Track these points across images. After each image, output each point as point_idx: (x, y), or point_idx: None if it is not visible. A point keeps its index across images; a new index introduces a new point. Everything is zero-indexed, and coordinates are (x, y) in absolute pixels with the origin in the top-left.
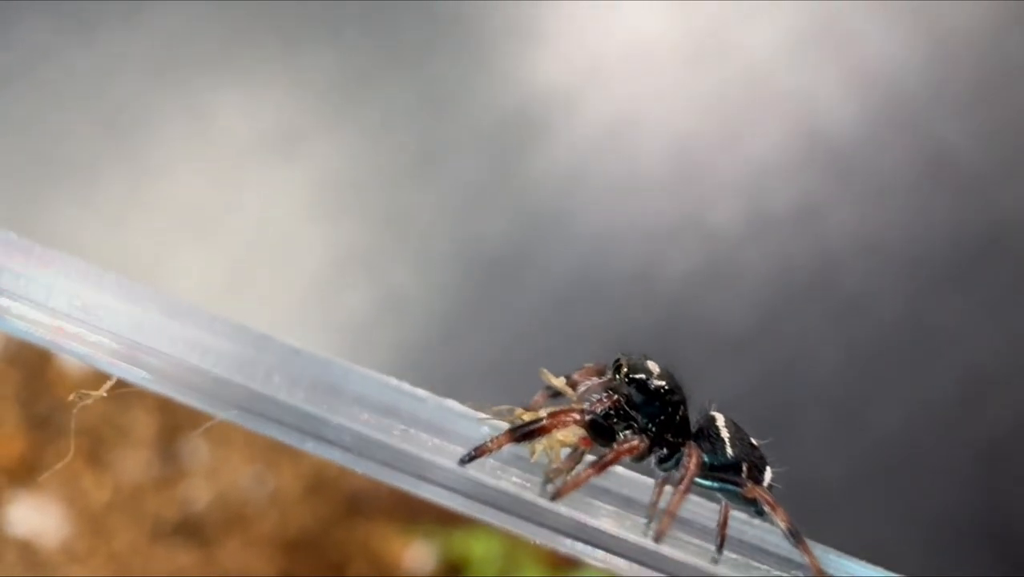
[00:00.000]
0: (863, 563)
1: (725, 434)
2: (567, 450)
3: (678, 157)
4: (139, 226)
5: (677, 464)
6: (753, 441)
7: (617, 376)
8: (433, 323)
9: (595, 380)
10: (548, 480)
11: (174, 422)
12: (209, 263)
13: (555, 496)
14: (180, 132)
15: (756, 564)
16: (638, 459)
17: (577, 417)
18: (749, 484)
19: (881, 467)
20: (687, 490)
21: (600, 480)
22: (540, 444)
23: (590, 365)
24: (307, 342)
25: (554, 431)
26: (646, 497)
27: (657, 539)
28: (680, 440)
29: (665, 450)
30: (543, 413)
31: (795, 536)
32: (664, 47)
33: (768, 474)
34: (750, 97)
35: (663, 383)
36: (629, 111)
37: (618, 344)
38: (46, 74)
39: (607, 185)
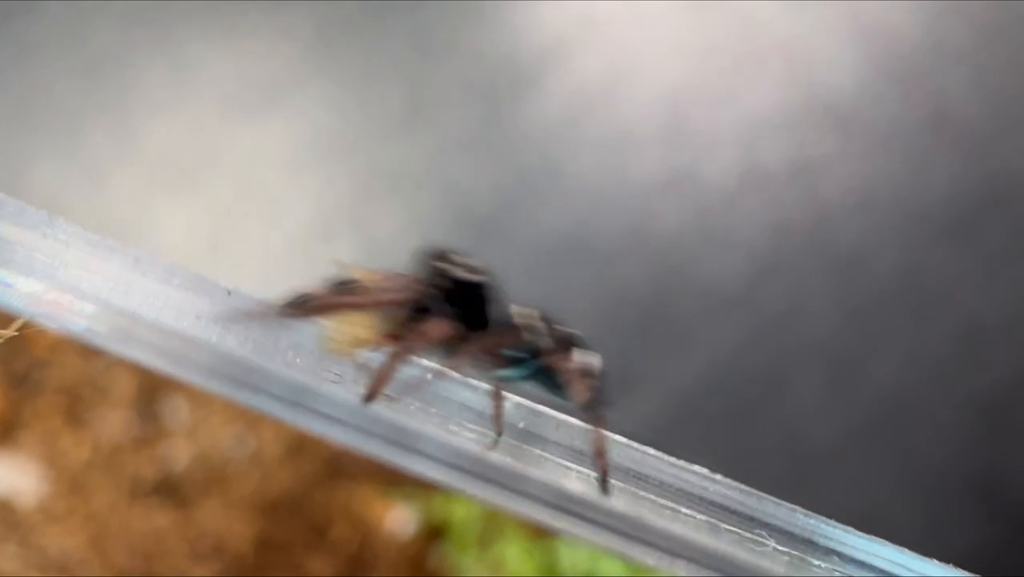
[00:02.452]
0: (852, 530)
1: (533, 321)
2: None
3: (671, 110)
4: (120, 180)
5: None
6: (568, 329)
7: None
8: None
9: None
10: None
11: (154, 381)
12: (192, 217)
13: (367, 399)
14: (162, 84)
15: (722, 524)
16: (445, 349)
17: (400, 296)
18: (553, 359)
19: (877, 423)
20: (469, 355)
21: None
22: (338, 338)
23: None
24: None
25: (349, 314)
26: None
27: (369, 398)
28: (488, 327)
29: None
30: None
31: (591, 410)
32: (653, 1)
33: (582, 356)
34: (745, 49)
35: (471, 272)
36: (622, 63)
37: (611, 299)
38: (23, 26)
39: (599, 138)
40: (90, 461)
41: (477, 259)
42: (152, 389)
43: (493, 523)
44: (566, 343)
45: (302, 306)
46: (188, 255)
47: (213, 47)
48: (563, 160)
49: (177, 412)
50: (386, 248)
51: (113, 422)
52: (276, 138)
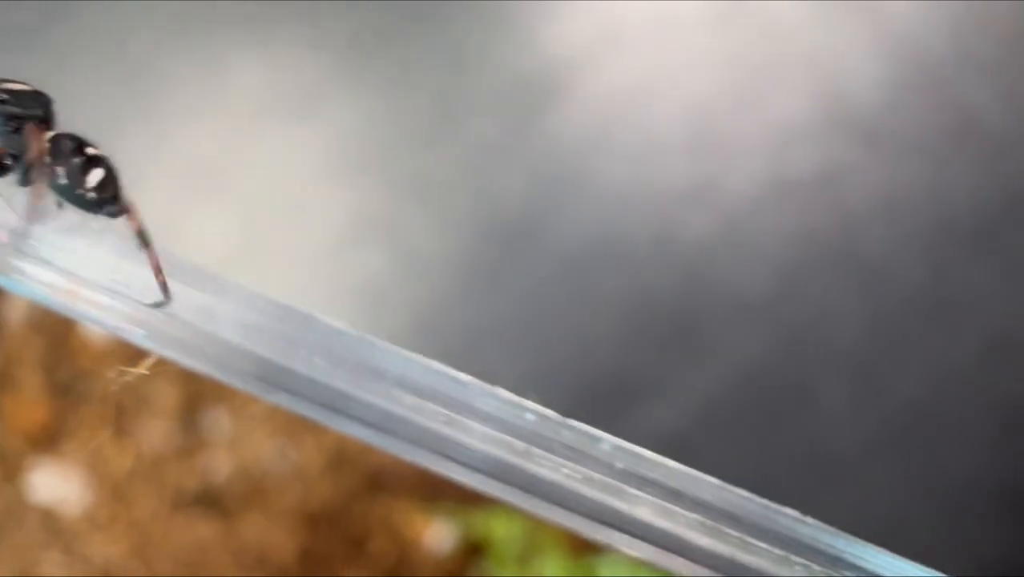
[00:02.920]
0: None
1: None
2: None
3: (698, 119)
4: (156, 185)
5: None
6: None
7: None
8: (450, 284)
9: None
10: None
11: (196, 393)
12: (225, 222)
13: None
14: (198, 91)
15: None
16: None
17: None
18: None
19: (900, 433)
20: None
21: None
22: None
23: None
24: (323, 303)
25: None
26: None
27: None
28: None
29: None
30: None
31: (141, 239)
32: (685, 9)
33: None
34: (771, 60)
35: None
36: (649, 73)
37: (637, 306)
38: (65, 33)
39: (626, 147)
40: (133, 470)
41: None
42: (194, 401)
43: (532, 540)
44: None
45: None
46: (221, 259)
47: (249, 56)
48: (590, 169)
49: (218, 424)
50: (417, 253)
51: (156, 432)
52: (309, 145)
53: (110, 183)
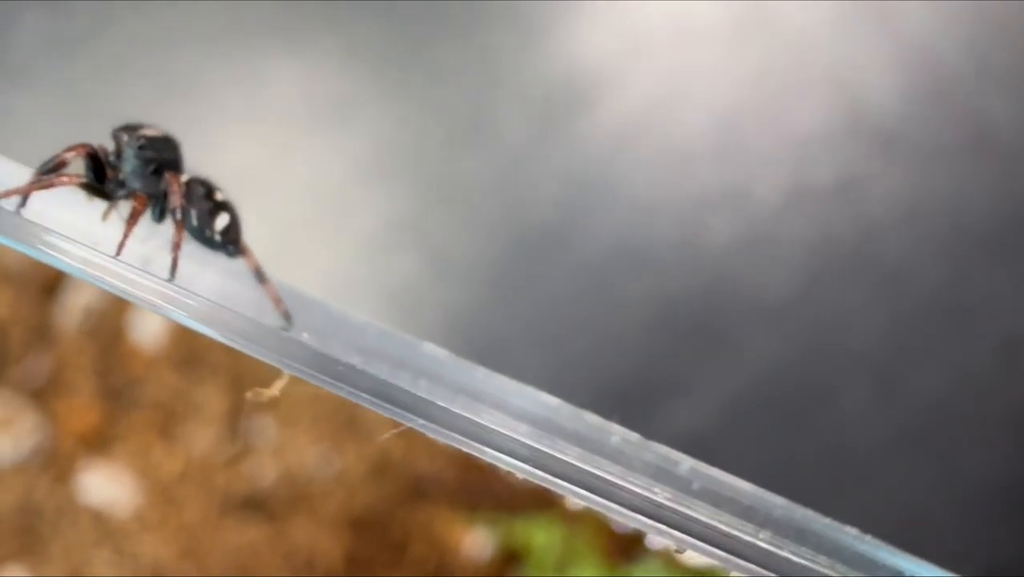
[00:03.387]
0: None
1: (185, 177)
2: None
3: (722, 129)
4: None
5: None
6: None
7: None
8: (480, 287)
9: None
10: None
11: (243, 401)
12: (261, 226)
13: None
14: (235, 99)
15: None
16: (92, 193)
17: (79, 154)
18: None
19: (920, 434)
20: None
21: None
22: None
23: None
24: (356, 305)
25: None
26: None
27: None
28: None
29: (134, 189)
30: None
31: (259, 275)
32: (709, 21)
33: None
34: (794, 71)
35: (136, 138)
36: (674, 83)
37: (663, 309)
38: (107, 42)
39: (652, 155)
40: (182, 474)
41: (155, 130)
42: (241, 408)
43: (570, 547)
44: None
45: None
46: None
47: (286, 66)
48: (617, 175)
49: (265, 431)
50: (448, 257)
51: (204, 438)
52: (344, 151)
53: (234, 228)
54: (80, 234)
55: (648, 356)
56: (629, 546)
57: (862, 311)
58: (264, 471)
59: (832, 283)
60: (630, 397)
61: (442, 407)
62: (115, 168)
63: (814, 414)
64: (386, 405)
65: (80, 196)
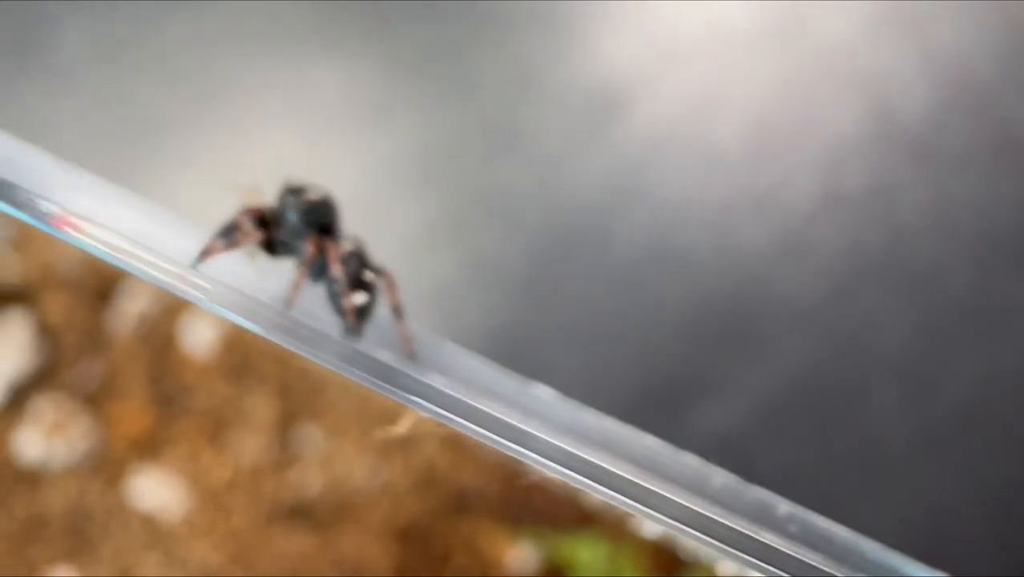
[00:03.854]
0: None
1: (347, 245)
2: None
3: (755, 134)
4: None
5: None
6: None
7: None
8: (516, 290)
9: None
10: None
11: (292, 411)
12: None
13: (194, 265)
14: (278, 103)
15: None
16: (269, 252)
17: (252, 217)
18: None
19: (950, 438)
20: (308, 266)
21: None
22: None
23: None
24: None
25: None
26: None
27: (287, 305)
28: (306, 241)
29: (297, 249)
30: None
31: (397, 312)
32: (743, 27)
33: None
34: (826, 77)
35: (301, 201)
36: (708, 89)
37: (696, 311)
38: (149, 44)
39: (685, 160)
40: (231, 481)
41: (317, 192)
42: (290, 417)
43: (615, 564)
44: (364, 284)
45: (225, 230)
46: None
47: (326, 69)
48: (651, 180)
49: (312, 440)
50: (484, 260)
51: (252, 445)
52: (382, 155)
53: (366, 311)
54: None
55: (681, 358)
56: (672, 563)
57: (892, 315)
58: (311, 480)
59: (863, 287)
60: (663, 398)
61: (556, 446)
62: (278, 226)
63: (844, 416)
64: (503, 442)
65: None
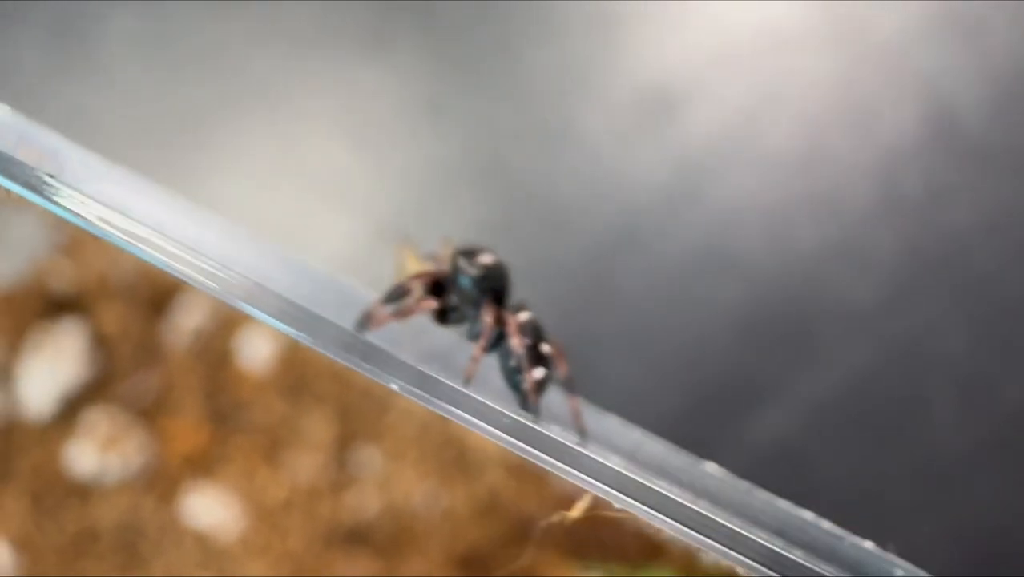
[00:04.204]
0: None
1: (524, 315)
2: None
3: (810, 136)
4: (284, 190)
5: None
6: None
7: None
8: (567, 292)
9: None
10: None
11: (351, 430)
12: (350, 228)
13: (361, 329)
14: (324, 102)
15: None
16: (441, 320)
17: (425, 282)
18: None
19: (1008, 442)
20: (486, 340)
21: None
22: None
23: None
24: None
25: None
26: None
27: (465, 382)
28: (481, 309)
29: (469, 317)
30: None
31: (569, 387)
32: (799, 28)
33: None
34: (882, 79)
35: (475, 267)
36: (763, 90)
37: (750, 314)
38: (191, 42)
39: (739, 162)
40: (287, 501)
41: (490, 256)
42: (349, 438)
43: None
44: (541, 357)
45: (392, 295)
46: (347, 263)
47: (372, 67)
48: (705, 182)
49: (371, 462)
50: (535, 261)
51: (309, 465)
52: (430, 155)
53: (544, 387)
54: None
55: (735, 363)
56: None
57: (951, 321)
58: (368, 503)
59: (920, 293)
60: (715, 405)
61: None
62: (450, 292)
63: (902, 422)
64: (669, 522)
65: None
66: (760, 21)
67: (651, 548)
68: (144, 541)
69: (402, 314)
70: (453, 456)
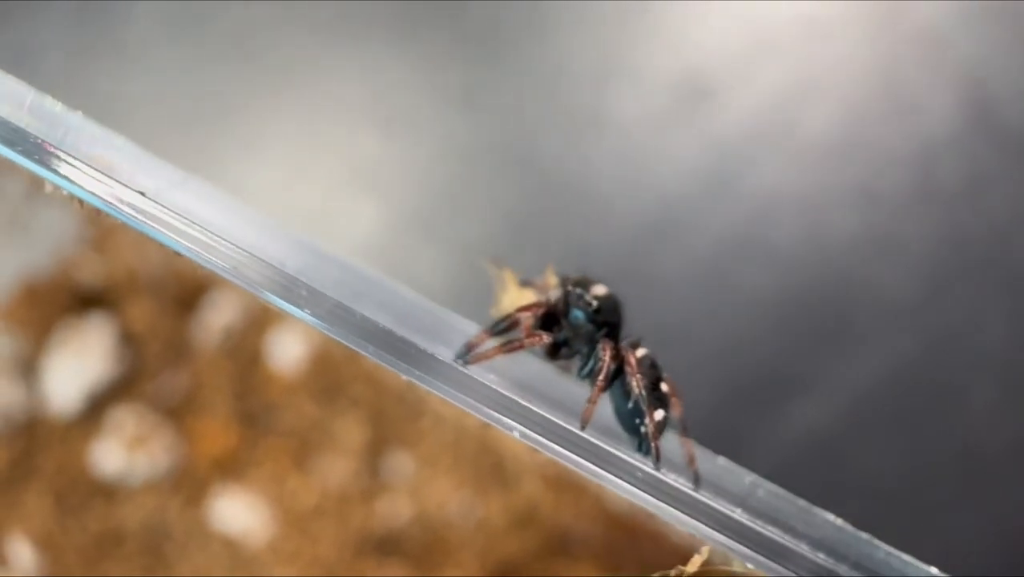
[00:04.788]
0: None
1: (641, 352)
2: None
3: (848, 125)
4: (311, 178)
5: (592, 370)
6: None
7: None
8: (602, 280)
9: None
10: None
11: (384, 435)
12: (377, 214)
13: (464, 361)
14: (353, 88)
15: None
16: (551, 356)
17: (535, 314)
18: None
19: None
20: (605, 381)
21: None
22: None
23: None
24: (477, 297)
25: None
26: None
27: (583, 426)
28: (598, 345)
29: (581, 352)
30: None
31: (684, 429)
32: (838, 16)
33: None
34: (922, 68)
35: (590, 299)
36: (801, 78)
37: (786, 304)
38: (220, 26)
39: (777, 150)
40: (317, 506)
41: (604, 288)
42: (381, 443)
43: None
44: (660, 397)
45: (501, 328)
46: (371, 251)
47: (403, 53)
48: (742, 170)
49: (403, 468)
50: (569, 247)
51: (340, 470)
52: (460, 141)
53: (664, 425)
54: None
55: (770, 352)
56: None
57: (991, 313)
58: (400, 510)
59: (960, 283)
60: (752, 395)
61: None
62: (561, 325)
63: (941, 418)
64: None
65: None
66: (798, 7)
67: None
68: (170, 544)
69: (511, 348)
70: (489, 464)
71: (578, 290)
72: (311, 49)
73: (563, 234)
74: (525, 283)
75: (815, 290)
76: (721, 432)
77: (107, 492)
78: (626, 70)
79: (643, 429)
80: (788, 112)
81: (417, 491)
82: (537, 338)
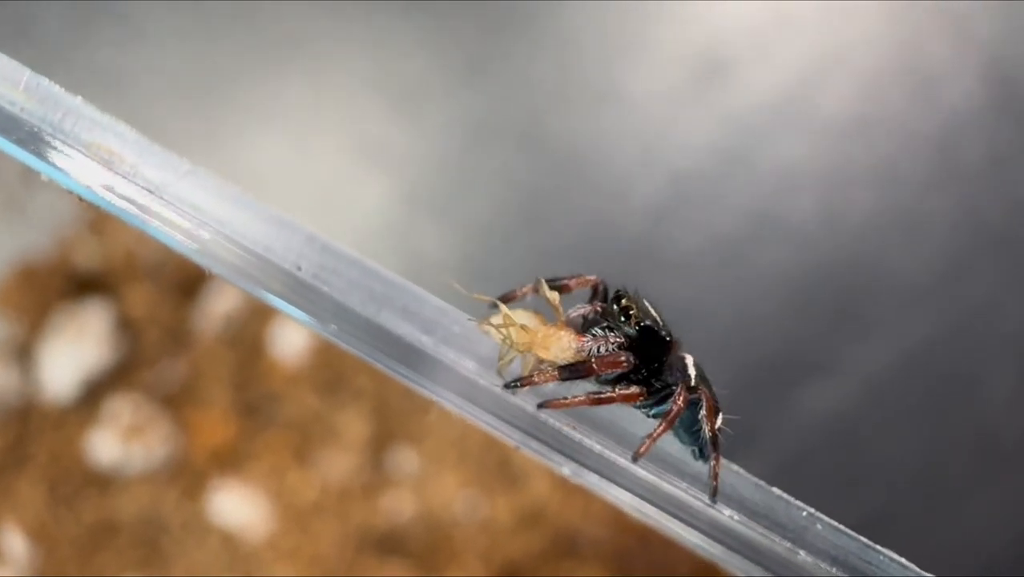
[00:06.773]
0: None
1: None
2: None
3: (869, 102)
4: (320, 156)
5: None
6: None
7: (617, 312)
8: (615, 257)
9: (591, 306)
10: (513, 380)
11: (388, 429)
12: (384, 189)
13: (543, 405)
14: (361, 60)
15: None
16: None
17: (624, 365)
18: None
19: None
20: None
21: None
22: (512, 349)
23: (583, 276)
24: (487, 275)
25: (546, 350)
26: None
27: (635, 459)
28: (669, 386)
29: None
30: (592, 358)
31: (715, 445)
32: None
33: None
34: (945, 45)
35: (663, 330)
36: (819, 53)
37: (803, 283)
38: (232, 6)
39: (794, 127)
40: (317, 502)
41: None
42: (385, 437)
43: None
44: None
45: (575, 373)
46: (375, 232)
47: (413, 25)
48: (760, 147)
49: (406, 464)
50: (579, 222)
51: (342, 465)
52: (472, 116)
53: (720, 443)
54: None
55: (786, 331)
56: None
57: (1012, 294)
58: (403, 507)
59: (980, 264)
60: (767, 376)
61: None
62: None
63: (958, 401)
64: None
65: None
66: None
67: (700, 567)
68: (166, 537)
69: (603, 401)
70: (496, 462)
71: (622, 312)
72: (318, 20)
73: (574, 211)
74: (555, 287)
75: (832, 269)
76: (735, 412)
77: (102, 482)
78: (641, 43)
79: (708, 465)
80: (806, 88)
81: (421, 488)
82: (629, 396)
